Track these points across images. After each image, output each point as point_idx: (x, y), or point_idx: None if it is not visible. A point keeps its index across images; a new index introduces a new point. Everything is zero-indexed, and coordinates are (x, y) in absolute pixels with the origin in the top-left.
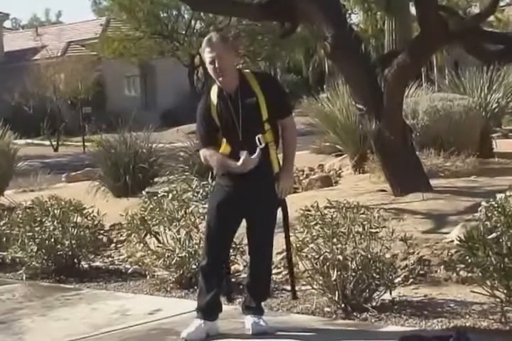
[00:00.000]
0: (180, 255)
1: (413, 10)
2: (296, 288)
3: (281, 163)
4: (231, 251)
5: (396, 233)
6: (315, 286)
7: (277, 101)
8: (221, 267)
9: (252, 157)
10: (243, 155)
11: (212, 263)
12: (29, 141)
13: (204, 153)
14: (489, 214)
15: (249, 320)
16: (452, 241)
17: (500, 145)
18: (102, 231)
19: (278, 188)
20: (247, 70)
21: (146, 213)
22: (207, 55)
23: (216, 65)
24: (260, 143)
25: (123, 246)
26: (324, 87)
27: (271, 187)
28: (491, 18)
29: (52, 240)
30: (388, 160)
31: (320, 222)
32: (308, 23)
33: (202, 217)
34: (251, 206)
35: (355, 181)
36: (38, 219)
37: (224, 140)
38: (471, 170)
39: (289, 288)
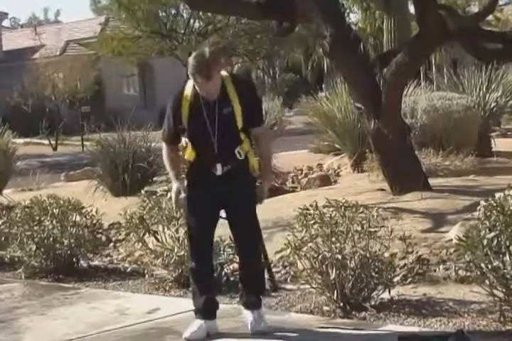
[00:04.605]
0: (178, 254)
1: (412, 9)
2: (295, 287)
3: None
4: (230, 250)
5: (395, 232)
6: (314, 285)
7: (251, 109)
8: (209, 265)
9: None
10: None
11: (200, 263)
12: (28, 140)
13: (164, 153)
14: (488, 214)
15: (248, 316)
16: (451, 240)
17: (499, 144)
18: (100, 230)
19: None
20: (225, 73)
21: (144, 212)
22: (194, 77)
23: (204, 87)
24: (240, 156)
25: (122, 245)
26: (323, 85)
27: (249, 182)
28: (490, 17)
29: (51, 239)
30: (387, 159)
31: (319, 221)
32: (307, 22)
33: None
34: (228, 197)
35: (354, 180)
36: (37, 218)
37: (189, 145)
38: (469, 169)
39: (288, 286)
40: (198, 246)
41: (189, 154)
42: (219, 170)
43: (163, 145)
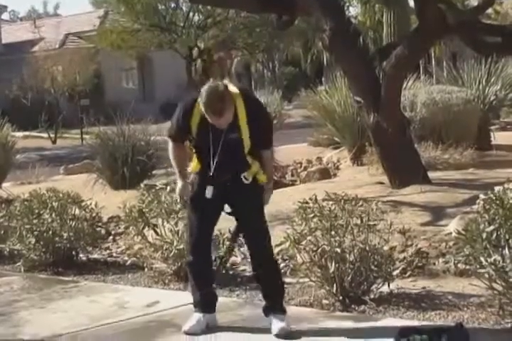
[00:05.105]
0: (178, 247)
1: (411, 2)
2: (295, 280)
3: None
4: (229, 243)
5: (394, 225)
6: (313, 279)
7: (261, 133)
8: (207, 260)
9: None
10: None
11: (198, 258)
12: (27, 133)
13: (170, 150)
14: (487, 207)
15: (274, 324)
16: (450, 233)
17: (498, 137)
18: (100, 224)
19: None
20: (236, 90)
21: (144, 205)
22: (206, 111)
23: (215, 121)
24: (247, 180)
25: (121, 239)
26: (322, 79)
27: (256, 190)
28: (489, 10)
29: (51, 232)
30: (386, 153)
31: (318, 215)
32: (307, 16)
33: None
34: (231, 195)
35: (354, 173)
36: (36, 211)
37: (195, 158)
38: (469, 163)
39: (287, 280)
40: (197, 241)
41: (195, 166)
42: (209, 193)
43: (169, 142)
